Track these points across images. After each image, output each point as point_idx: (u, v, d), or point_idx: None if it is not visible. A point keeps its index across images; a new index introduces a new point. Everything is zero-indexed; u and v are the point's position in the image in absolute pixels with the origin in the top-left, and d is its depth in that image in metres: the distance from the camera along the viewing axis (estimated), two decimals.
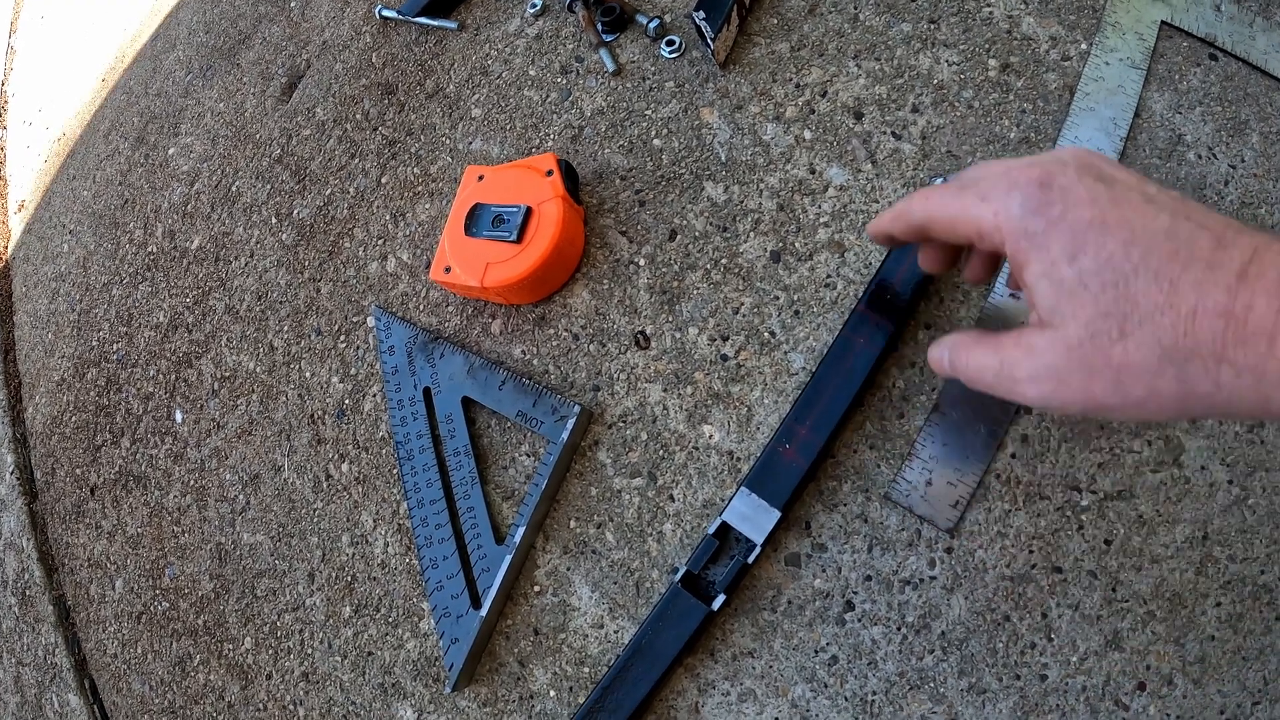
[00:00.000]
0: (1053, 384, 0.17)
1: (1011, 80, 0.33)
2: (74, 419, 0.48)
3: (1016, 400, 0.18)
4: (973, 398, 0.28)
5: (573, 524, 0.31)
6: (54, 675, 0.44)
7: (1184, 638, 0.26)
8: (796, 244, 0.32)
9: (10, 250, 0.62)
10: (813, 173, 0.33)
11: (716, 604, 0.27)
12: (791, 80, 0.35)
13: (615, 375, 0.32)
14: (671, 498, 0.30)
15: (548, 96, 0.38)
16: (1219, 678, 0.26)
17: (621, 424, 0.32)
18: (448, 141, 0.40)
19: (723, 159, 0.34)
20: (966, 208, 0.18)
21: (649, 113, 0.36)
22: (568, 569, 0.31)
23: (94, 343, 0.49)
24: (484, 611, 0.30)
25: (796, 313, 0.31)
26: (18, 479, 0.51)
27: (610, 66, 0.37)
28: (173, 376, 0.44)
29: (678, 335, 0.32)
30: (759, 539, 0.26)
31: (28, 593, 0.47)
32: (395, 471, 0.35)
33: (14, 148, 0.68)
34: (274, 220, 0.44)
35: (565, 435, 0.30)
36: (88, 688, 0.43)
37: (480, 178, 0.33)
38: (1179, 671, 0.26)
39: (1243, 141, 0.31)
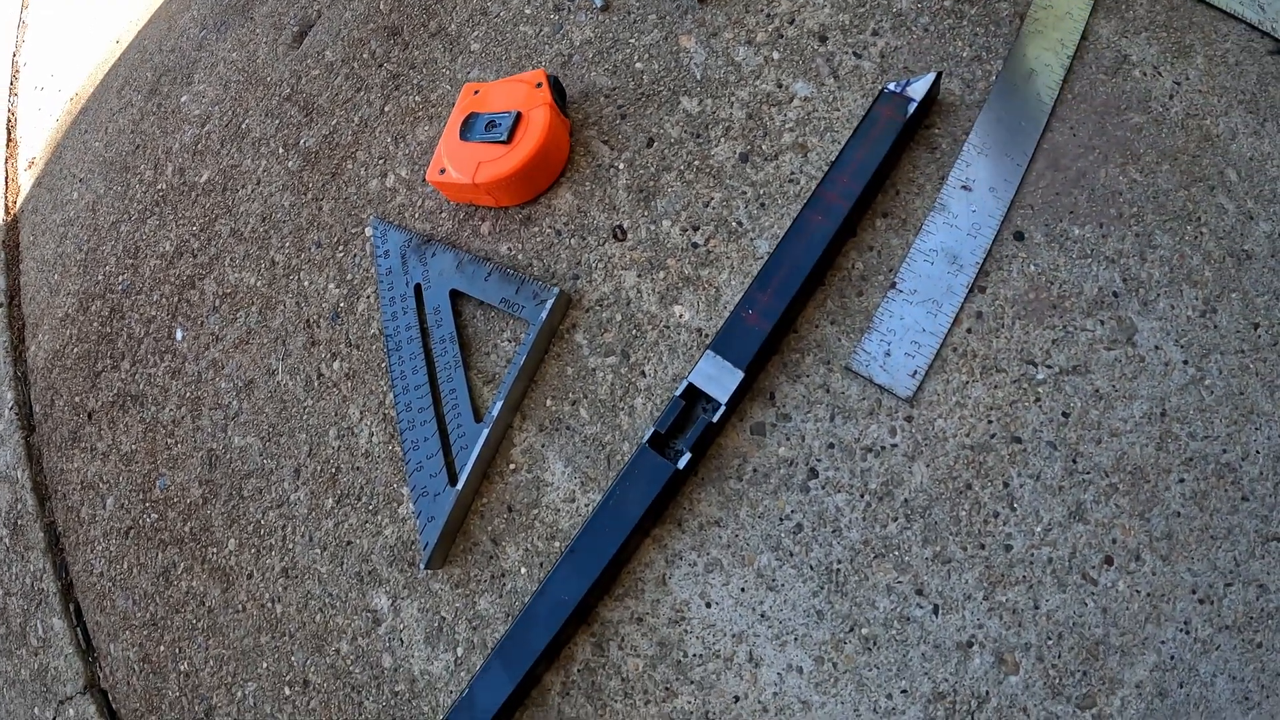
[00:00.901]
0: None
1: (965, 8, 0.38)
2: (76, 350, 0.53)
3: None
4: (930, 276, 0.32)
5: (549, 403, 0.35)
6: (40, 601, 0.47)
7: (1149, 513, 0.29)
8: (764, 146, 0.36)
9: (19, 204, 0.68)
10: (780, 87, 0.38)
11: (682, 463, 0.30)
12: (763, 10, 0.40)
13: (594, 265, 0.36)
14: (643, 373, 0.34)
15: (541, 30, 0.44)
16: (1188, 556, 0.28)
17: (598, 308, 0.36)
18: (448, 72, 0.46)
19: (698, 77, 0.39)
20: None
21: (633, 41, 0.42)
22: (543, 446, 0.34)
23: (99, 277, 0.54)
24: (460, 486, 0.33)
25: (762, 205, 0.35)
26: (16, 414, 0.55)
27: (599, 2, 0.43)
28: (175, 299, 0.49)
29: (652, 227, 0.36)
30: (723, 399, 0.30)
31: (19, 523, 0.51)
32: (383, 365, 0.38)
33: (25, 111, 0.75)
34: (281, 150, 0.49)
35: (544, 315, 0.34)
36: (72, 610, 0.46)
37: (476, 92, 0.38)
38: (1146, 547, 0.28)
39: (1188, 62, 0.36)
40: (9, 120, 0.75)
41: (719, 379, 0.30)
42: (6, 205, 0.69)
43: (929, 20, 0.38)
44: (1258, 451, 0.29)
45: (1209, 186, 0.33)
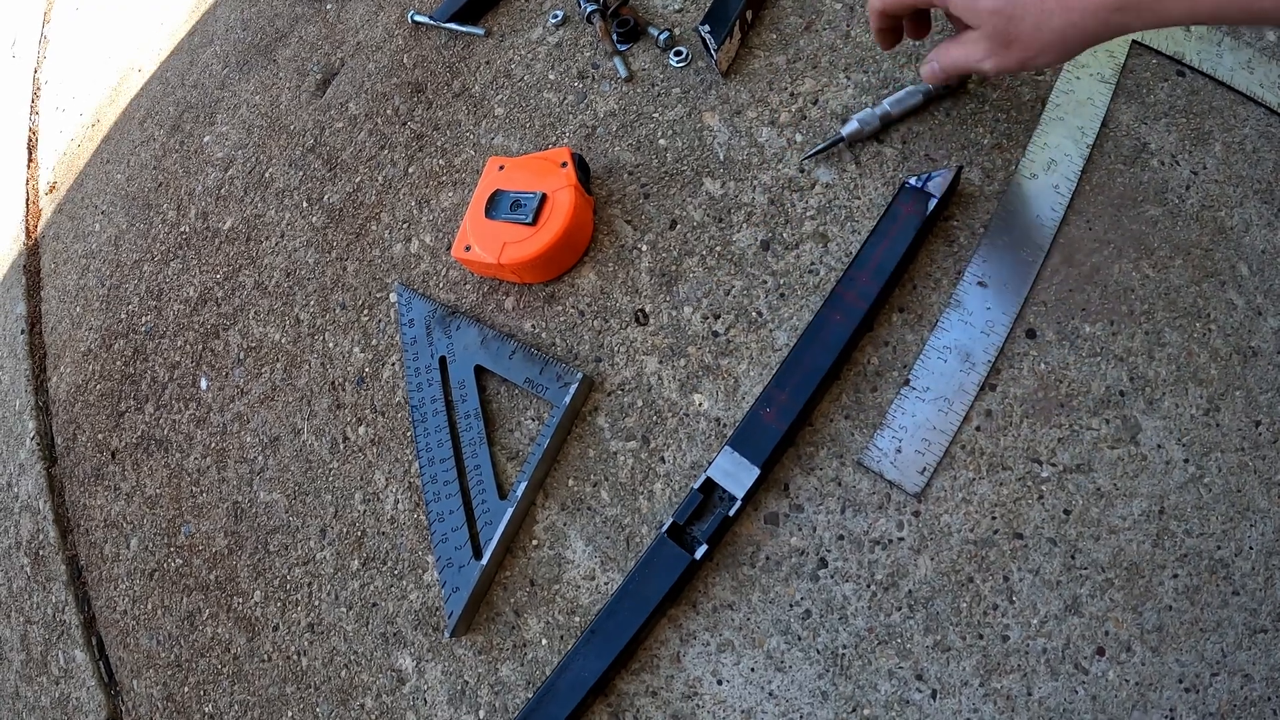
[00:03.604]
0: (993, 44, 0.29)
1: (988, 92, 0.39)
2: (99, 387, 0.55)
3: (982, 71, 0.31)
4: (943, 374, 0.33)
5: (571, 483, 0.37)
6: (61, 632, 0.50)
7: (1142, 606, 0.31)
8: (785, 234, 0.38)
9: (40, 229, 0.70)
10: (802, 171, 0.39)
11: (699, 553, 0.32)
12: (787, 89, 0.41)
13: (616, 348, 0.38)
14: (662, 459, 0.36)
15: (565, 99, 0.45)
16: (1177, 647, 0.30)
17: (619, 392, 0.37)
18: (471, 137, 0.47)
19: (721, 158, 0.41)
20: None
21: (656, 115, 0.43)
22: (564, 524, 0.36)
23: (122, 316, 0.56)
24: (484, 561, 0.35)
25: (782, 295, 0.37)
26: (37, 444, 0.57)
27: (623, 73, 0.44)
28: (200, 347, 0.51)
29: (674, 313, 0.38)
30: (740, 494, 0.32)
31: (41, 553, 0.53)
32: (408, 434, 0.40)
33: (46, 132, 0.77)
34: (305, 204, 0.51)
35: (568, 399, 0.36)
36: (94, 644, 0.49)
37: (501, 167, 0.40)
38: (1137, 639, 0.30)
39: (1205, 150, 0.37)
40: (30, 139, 0.76)
41: (736, 475, 0.32)
42: (28, 229, 0.70)
43: (951, 103, 0.39)
44: (1251, 547, 0.31)
45: (1220, 282, 0.35)
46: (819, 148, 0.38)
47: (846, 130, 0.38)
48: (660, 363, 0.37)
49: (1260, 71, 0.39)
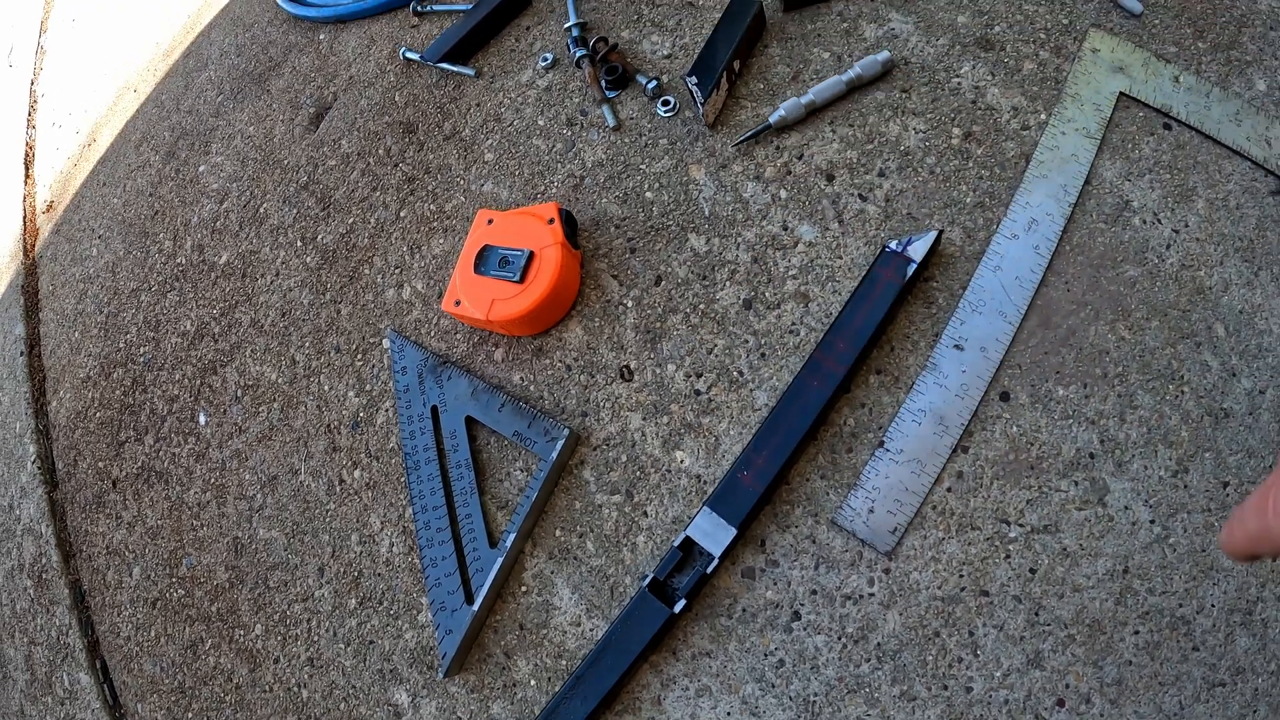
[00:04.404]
0: None
1: (972, 148, 0.40)
2: (99, 415, 0.57)
3: None
4: (917, 437, 0.35)
5: (558, 533, 0.39)
6: (66, 655, 0.53)
7: (1102, 661, 0.33)
8: (767, 294, 0.39)
9: (38, 249, 0.71)
10: (785, 229, 0.41)
11: (678, 607, 0.34)
12: (772, 143, 0.42)
13: (601, 403, 0.40)
14: (645, 514, 0.38)
15: (554, 146, 0.46)
16: (1135, 700, 0.32)
17: (605, 447, 0.39)
18: (462, 182, 0.48)
19: (706, 213, 0.42)
20: None
21: (644, 167, 0.44)
22: (551, 572, 0.38)
23: (121, 344, 0.58)
24: (476, 606, 0.37)
25: (763, 355, 0.39)
26: (39, 468, 0.60)
27: (611, 122, 0.45)
28: (198, 382, 0.53)
29: (658, 371, 0.40)
30: (717, 552, 0.34)
31: (44, 576, 0.56)
32: (402, 480, 0.42)
33: (43, 148, 0.78)
34: (299, 243, 0.52)
35: (555, 454, 0.38)
36: (99, 668, 0.51)
37: (490, 221, 0.41)
38: (1096, 692, 0.32)
39: (1188, 207, 0.38)
40: (27, 154, 0.77)
41: (714, 534, 0.34)
42: (26, 247, 0.72)
43: (935, 160, 0.40)
44: (1213, 605, 0.33)
45: (1195, 343, 0.36)
46: (747, 134, 0.41)
47: (774, 118, 0.40)
48: (644, 419, 0.39)
49: (1248, 124, 0.40)
